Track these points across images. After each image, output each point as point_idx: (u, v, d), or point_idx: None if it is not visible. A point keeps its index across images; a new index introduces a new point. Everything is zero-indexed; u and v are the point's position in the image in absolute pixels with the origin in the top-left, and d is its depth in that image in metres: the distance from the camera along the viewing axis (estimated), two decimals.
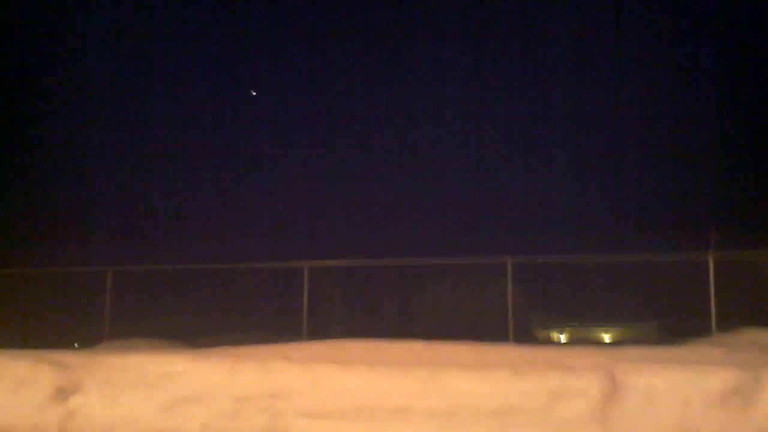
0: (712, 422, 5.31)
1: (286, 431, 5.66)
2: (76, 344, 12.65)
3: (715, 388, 5.43)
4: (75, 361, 6.40)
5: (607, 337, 18.70)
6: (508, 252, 11.95)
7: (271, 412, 5.75)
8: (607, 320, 19.03)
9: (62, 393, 6.03)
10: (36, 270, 14.18)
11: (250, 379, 5.93)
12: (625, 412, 5.42)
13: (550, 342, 18.08)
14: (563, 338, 19.17)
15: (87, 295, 13.85)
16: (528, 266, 12.72)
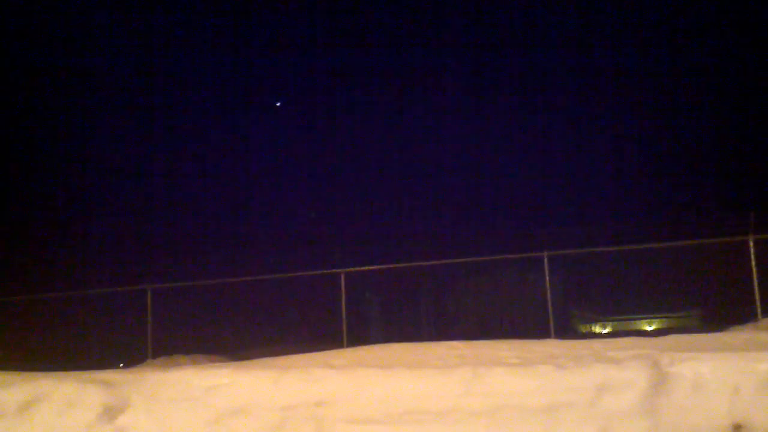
0: (763, 409, 5.21)
1: None
2: (120, 364, 12.82)
3: (765, 373, 5.32)
4: (121, 379, 6.48)
5: (650, 329, 18.42)
6: (544, 246, 11.86)
7: (317, 420, 5.76)
8: (649, 311, 18.76)
9: (110, 412, 6.09)
10: (77, 292, 14.38)
11: (294, 388, 5.95)
12: (674, 402, 5.33)
13: (592, 336, 17.87)
14: (606, 332, 18.92)
15: (128, 314, 14.03)
16: (565, 259, 12.61)
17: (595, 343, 6.57)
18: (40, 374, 6.83)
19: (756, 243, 11.09)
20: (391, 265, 13.69)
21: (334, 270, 13.35)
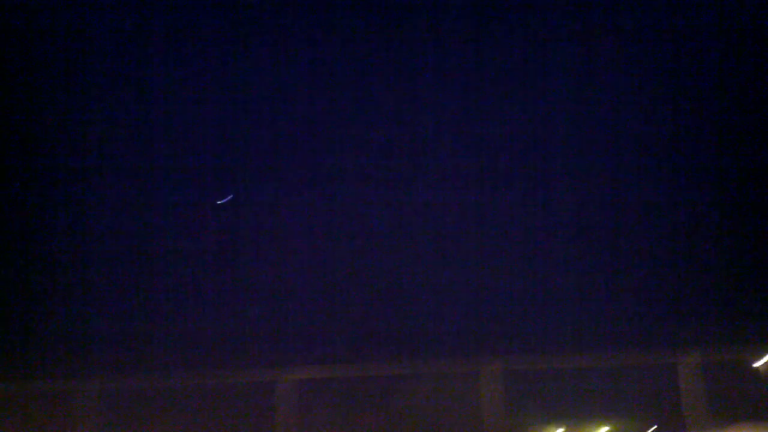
0: None
1: None
2: None
3: None
4: None
5: None
6: (494, 358, 11.97)
7: None
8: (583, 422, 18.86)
9: None
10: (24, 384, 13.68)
11: None
12: None
13: None
14: None
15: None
16: (516, 372, 12.72)
17: None
18: None
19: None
20: (329, 372, 13.52)
21: (269, 375, 13.12)
